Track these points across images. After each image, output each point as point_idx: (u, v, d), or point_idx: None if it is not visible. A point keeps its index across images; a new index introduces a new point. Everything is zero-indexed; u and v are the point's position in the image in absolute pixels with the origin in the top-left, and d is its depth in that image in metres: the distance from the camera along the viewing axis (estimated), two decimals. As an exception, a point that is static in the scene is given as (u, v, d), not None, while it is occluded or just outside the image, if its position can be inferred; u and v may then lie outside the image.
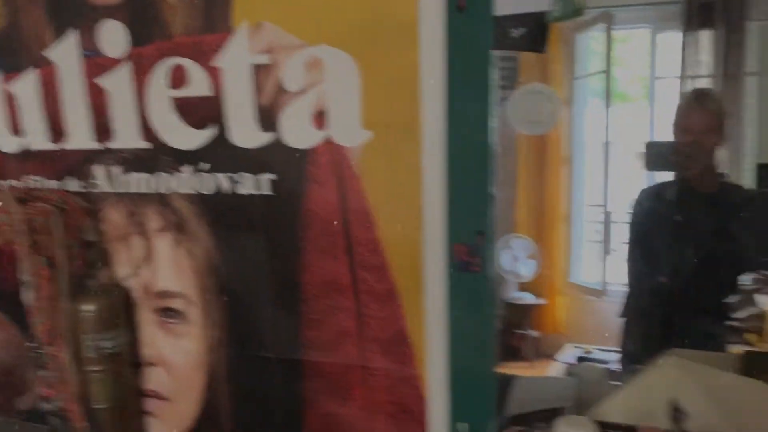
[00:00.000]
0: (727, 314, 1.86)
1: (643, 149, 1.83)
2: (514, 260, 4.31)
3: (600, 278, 4.34)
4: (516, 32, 0.82)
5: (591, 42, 4.47)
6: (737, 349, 2.63)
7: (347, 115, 0.97)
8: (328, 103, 0.98)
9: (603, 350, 3.32)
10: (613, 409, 0.84)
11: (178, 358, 1.16)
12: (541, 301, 4.33)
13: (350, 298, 1.02)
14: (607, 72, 3.95)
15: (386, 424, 1.03)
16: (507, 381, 1.01)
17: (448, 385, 0.93)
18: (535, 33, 0.81)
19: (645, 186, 1.90)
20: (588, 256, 4.56)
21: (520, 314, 4.34)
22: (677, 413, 0.80)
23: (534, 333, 4.34)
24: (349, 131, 0.97)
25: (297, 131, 1.00)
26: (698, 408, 0.79)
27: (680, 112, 1.68)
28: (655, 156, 1.68)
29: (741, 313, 3.04)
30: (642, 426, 0.81)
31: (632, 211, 1.87)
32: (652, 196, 1.79)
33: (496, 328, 0.90)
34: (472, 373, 0.91)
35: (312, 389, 1.08)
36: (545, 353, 4.22)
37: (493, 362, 0.90)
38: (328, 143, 0.99)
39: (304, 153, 1.00)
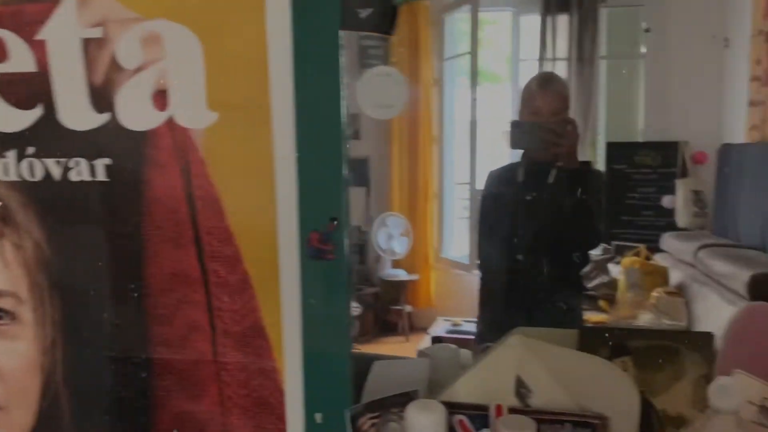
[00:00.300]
0: (582, 286, 1.96)
1: (508, 128, 1.85)
2: (389, 238, 4.37)
3: (468, 252, 4.51)
4: (363, 12, 0.79)
5: (459, 23, 4.57)
6: (593, 316, 2.81)
7: (191, 95, 0.91)
8: (169, 82, 0.91)
9: (471, 322, 3.45)
10: (464, 389, 0.85)
11: (9, 362, 1.05)
12: (414, 277, 4.43)
13: (200, 290, 0.96)
14: (472, 53, 4.06)
15: (243, 419, 0.99)
16: (364, 365, 1.00)
17: (303, 375, 0.91)
18: (382, 14, 0.79)
19: (500, 164, 1.93)
20: (458, 232, 4.72)
21: (395, 290, 4.42)
22: (522, 390, 0.83)
23: (408, 308, 4.44)
24: (193, 112, 0.91)
25: (135, 112, 0.92)
26: (541, 384, 0.82)
27: (528, 95, 1.71)
28: (521, 134, 1.68)
29: (594, 283, 3.24)
30: (491, 404, 0.83)
31: (482, 195, 1.88)
32: (503, 178, 1.81)
33: (351, 315, 0.88)
34: (328, 361, 0.89)
35: (162, 388, 1.01)
36: (420, 327, 4.33)
37: (349, 349, 0.89)
38: (171, 125, 0.92)
39: (143, 135, 0.92)
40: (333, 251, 0.86)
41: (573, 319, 1.79)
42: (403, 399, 0.83)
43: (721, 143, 3.77)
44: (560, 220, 1.69)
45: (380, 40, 4.48)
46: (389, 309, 4.46)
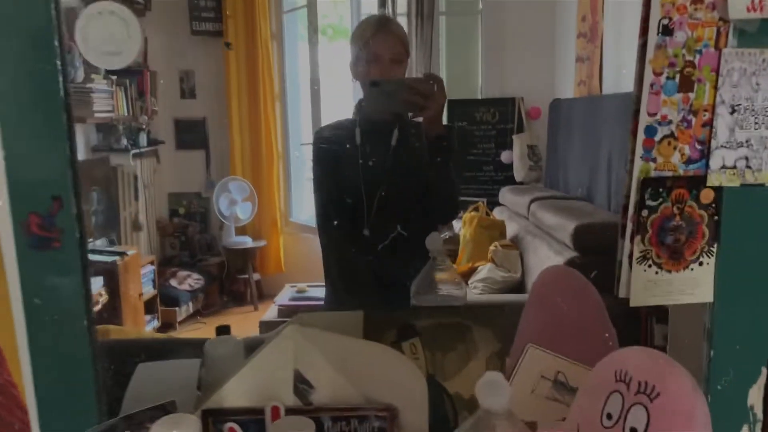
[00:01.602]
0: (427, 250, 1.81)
1: (363, 88, 1.46)
2: (232, 204, 4.14)
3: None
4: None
5: (296, -26, 4.34)
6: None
7: None
8: None
9: (318, 286, 3.36)
10: (236, 391, 0.73)
11: None
12: (261, 243, 4.25)
13: None
14: (309, 6, 3.87)
15: (-24, 446, 0.80)
16: (124, 369, 0.85)
17: (36, 389, 0.74)
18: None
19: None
20: (306, 195, 4.58)
21: (242, 258, 4.22)
22: (302, 386, 0.72)
23: (256, 276, 4.26)
24: None
25: None
26: (323, 378, 0.72)
27: (362, 41, 1.44)
28: (381, 96, 1.36)
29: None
30: (266, 406, 0.71)
31: (313, 157, 1.58)
32: (335, 140, 1.53)
33: (92, 312, 0.72)
34: (66, 371, 0.73)
35: None
36: (270, 294, 4.18)
37: (92, 355, 0.73)
38: None
39: None
40: (59, 238, 0.69)
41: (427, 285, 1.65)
42: (158, 412, 0.68)
43: (553, 98, 3.92)
44: (412, 190, 1.48)
45: (212, -9, 4.15)
46: (236, 278, 4.25)
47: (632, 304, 0.72)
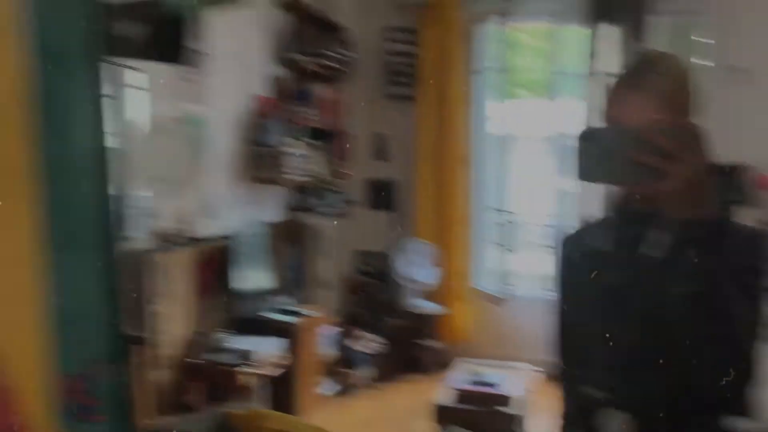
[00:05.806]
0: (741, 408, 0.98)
1: (575, 143, 0.86)
2: (414, 266, 4.07)
3: (502, 285, 4.14)
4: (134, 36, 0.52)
5: (491, 35, 4.22)
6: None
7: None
8: None
9: (498, 366, 3.09)
10: None
11: None
12: (443, 309, 4.09)
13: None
14: (502, 65, 3.71)
15: None
16: None
17: None
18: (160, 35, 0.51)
19: (576, 228, 1.16)
20: (492, 261, 4.35)
21: (421, 323, 4.09)
22: None
23: (436, 343, 4.10)
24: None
25: None
26: None
27: (608, 96, 1.01)
28: (598, 155, 0.84)
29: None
30: None
31: (560, 276, 1.12)
32: (584, 248, 1.07)
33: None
34: None
35: None
36: (448, 364, 3.98)
37: None
38: None
39: None
40: (102, 409, 0.58)
41: None
42: None
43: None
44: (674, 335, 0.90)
45: (409, 57, 4.17)
46: (414, 344, 4.13)
47: None
